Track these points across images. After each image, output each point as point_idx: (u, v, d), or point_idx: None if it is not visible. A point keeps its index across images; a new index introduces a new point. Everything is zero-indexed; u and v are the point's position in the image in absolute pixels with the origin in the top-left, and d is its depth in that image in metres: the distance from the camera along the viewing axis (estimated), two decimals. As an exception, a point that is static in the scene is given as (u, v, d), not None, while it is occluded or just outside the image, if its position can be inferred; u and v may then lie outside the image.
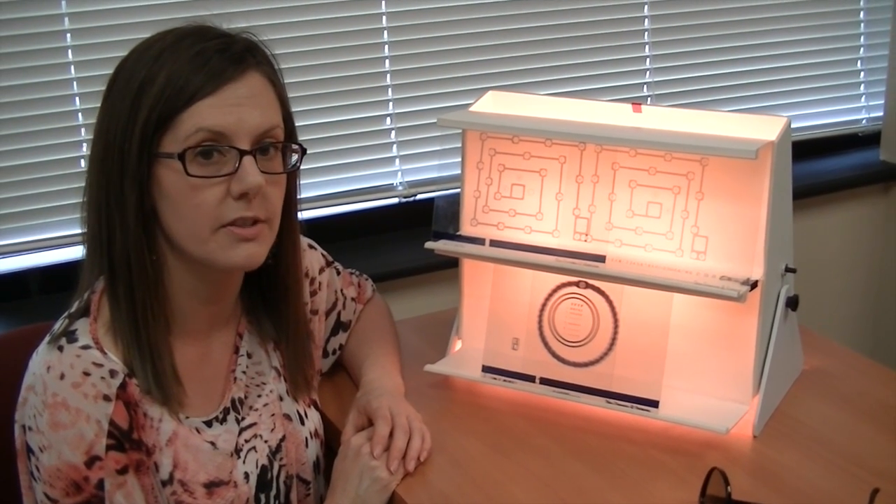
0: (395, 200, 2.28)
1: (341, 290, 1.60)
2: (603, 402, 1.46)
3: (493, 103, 1.62)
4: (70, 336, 1.20)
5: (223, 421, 1.32)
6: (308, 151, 1.31)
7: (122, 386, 1.19)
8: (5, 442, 1.27)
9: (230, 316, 1.37)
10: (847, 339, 2.73)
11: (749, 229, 1.40)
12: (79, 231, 1.95)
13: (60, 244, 2.01)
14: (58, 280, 2.00)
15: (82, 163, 1.99)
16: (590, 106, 1.57)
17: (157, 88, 1.18)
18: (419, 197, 2.27)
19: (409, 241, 2.18)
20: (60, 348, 1.18)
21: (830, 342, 1.71)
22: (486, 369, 1.53)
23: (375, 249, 2.22)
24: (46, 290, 2.02)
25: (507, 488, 1.33)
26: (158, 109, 1.18)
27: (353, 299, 1.62)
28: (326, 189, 2.21)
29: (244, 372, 1.37)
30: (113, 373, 1.18)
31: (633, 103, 1.52)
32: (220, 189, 1.20)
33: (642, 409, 1.43)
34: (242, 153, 1.20)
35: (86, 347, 1.19)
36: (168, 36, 1.22)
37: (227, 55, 1.20)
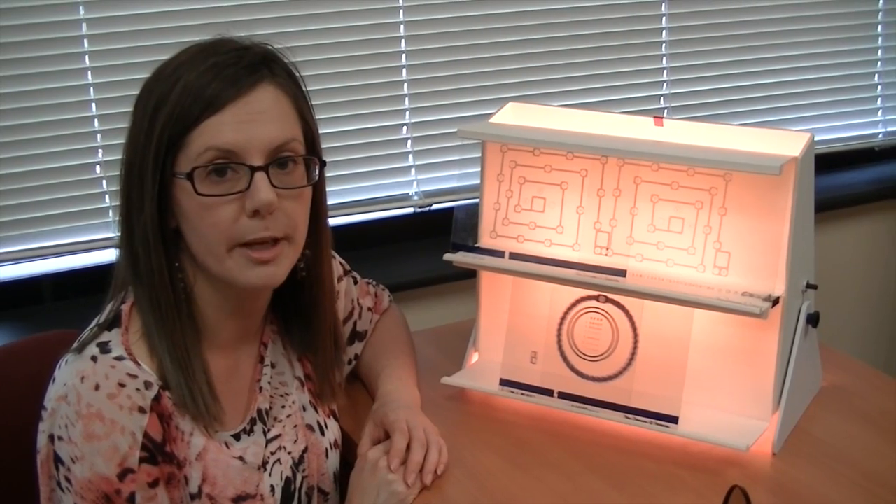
0: (411, 210, 2.28)
1: (357, 300, 1.59)
2: (621, 418, 1.45)
3: (513, 115, 1.61)
4: (103, 346, 1.18)
5: (250, 432, 1.32)
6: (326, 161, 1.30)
7: (157, 398, 1.18)
8: (23, 448, 1.26)
9: (258, 328, 1.36)
10: (862, 353, 2.73)
11: (771, 245, 1.39)
12: (92, 238, 1.99)
13: (74, 250, 2.01)
14: (71, 286, 2.00)
15: (98, 168, 1.99)
16: (611, 119, 1.56)
17: (168, 108, 1.17)
18: (434, 207, 2.27)
19: (424, 251, 2.18)
20: (94, 358, 1.17)
21: (849, 358, 1.70)
22: (504, 382, 1.52)
23: (390, 259, 2.22)
24: (60, 297, 2.02)
25: (524, 503, 1.32)
26: (169, 129, 1.17)
27: (369, 309, 1.62)
28: (341, 198, 2.20)
29: (269, 382, 1.37)
30: (148, 384, 1.17)
31: (654, 117, 1.51)
32: (233, 207, 1.19)
33: (661, 425, 1.42)
34: (253, 170, 1.18)
35: (119, 358, 1.18)
36: (188, 52, 1.21)
37: (235, 69, 1.18)
